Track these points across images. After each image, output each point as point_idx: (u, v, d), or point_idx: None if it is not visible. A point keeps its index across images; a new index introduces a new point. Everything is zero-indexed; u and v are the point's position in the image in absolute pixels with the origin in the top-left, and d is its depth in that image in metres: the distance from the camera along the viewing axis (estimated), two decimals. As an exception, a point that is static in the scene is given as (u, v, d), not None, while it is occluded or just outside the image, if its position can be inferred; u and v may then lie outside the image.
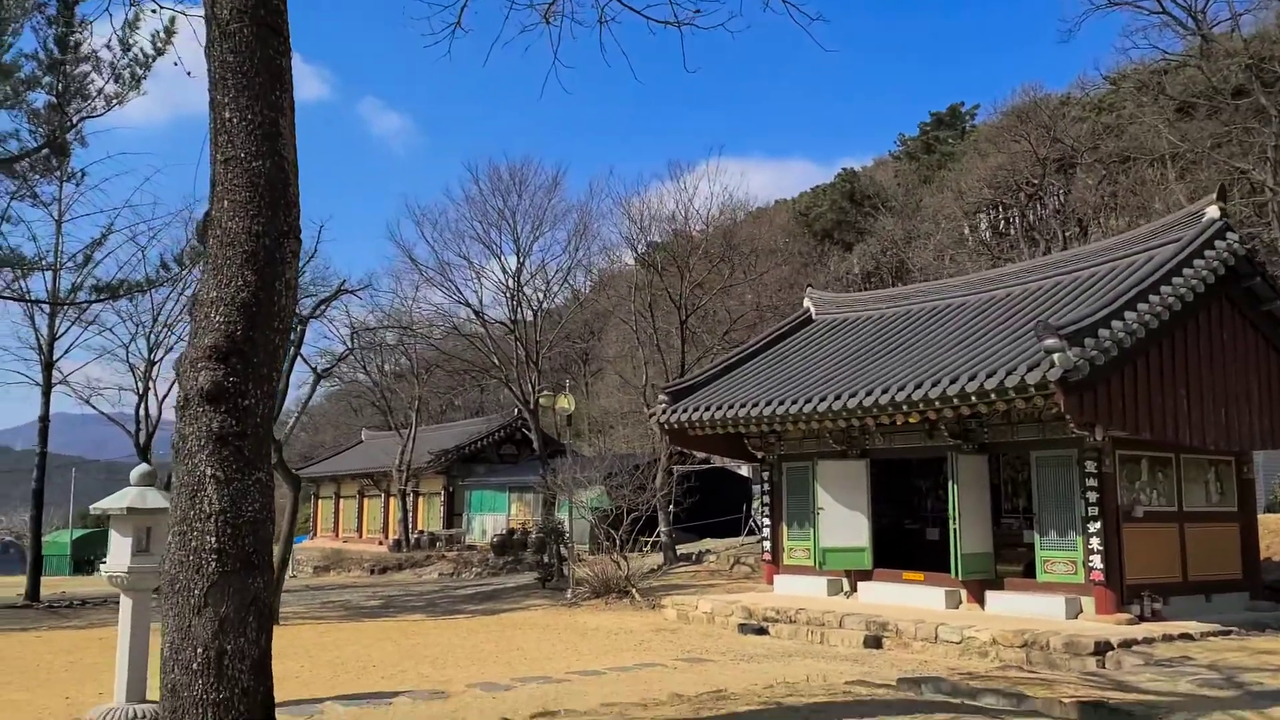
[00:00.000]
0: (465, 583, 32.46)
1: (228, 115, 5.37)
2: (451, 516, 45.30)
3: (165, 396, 35.40)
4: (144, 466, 10.89)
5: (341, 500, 53.03)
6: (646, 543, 26.93)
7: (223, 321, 5.13)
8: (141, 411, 34.96)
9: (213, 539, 4.96)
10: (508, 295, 35.42)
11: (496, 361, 37.43)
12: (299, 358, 27.52)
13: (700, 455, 35.54)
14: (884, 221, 53.02)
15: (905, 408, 15.86)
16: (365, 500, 50.77)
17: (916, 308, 21.24)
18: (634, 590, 22.85)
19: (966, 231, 48.54)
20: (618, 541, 24.34)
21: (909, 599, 17.58)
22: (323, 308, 27.45)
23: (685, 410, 20.30)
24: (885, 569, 18.70)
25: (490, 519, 41.87)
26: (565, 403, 26.97)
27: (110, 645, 18.58)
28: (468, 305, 37.82)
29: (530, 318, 35.81)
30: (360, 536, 50.15)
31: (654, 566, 27.71)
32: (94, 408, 34.95)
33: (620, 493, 26.03)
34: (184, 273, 26.54)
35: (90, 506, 11.33)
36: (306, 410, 43.60)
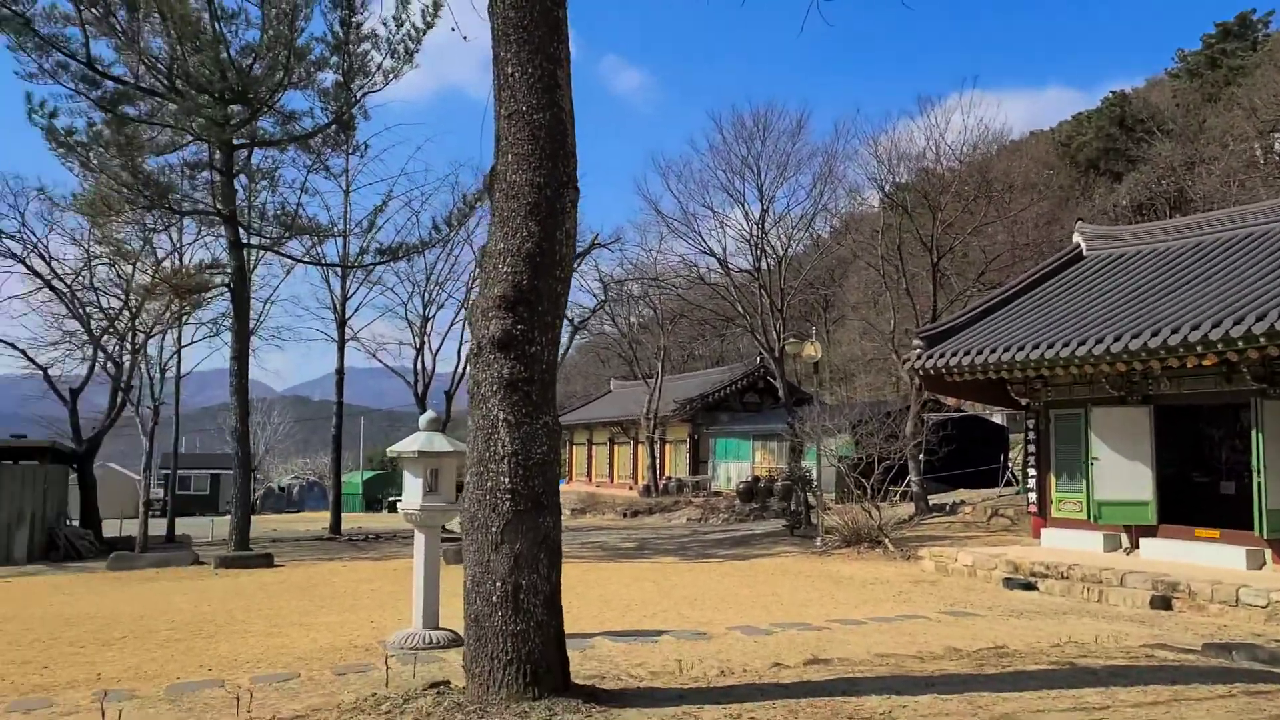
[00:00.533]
0: (713, 528, 33.01)
1: (510, 70, 5.55)
2: (697, 463, 46.15)
3: (438, 350, 38.10)
4: (431, 413, 11.70)
5: (594, 446, 55.34)
6: (895, 492, 26.26)
7: (509, 271, 5.35)
8: (418, 364, 37.84)
9: (506, 479, 5.23)
10: (751, 243, 35.25)
11: (741, 310, 37.45)
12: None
13: (952, 402, 34.07)
14: (1160, 147, 48.23)
15: (1201, 348, 14.38)
16: (615, 447, 52.69)
17: (1209, 239, 19.16)
18: (887, 540, 22.38)
19: (1259, 153, 43.24)
20: (868, 490, 23.86)
21: (1200, 557, 16.11)
22: (578, 262, 28.41)
23: (943, 355, 19.44)
24: (1172, 524, 17.22)
25: (734, 466, 42.29)
26: (812, 350, 26.59)
27: (401, 575, 20.39)
28: (711, 254, 38.03)
29: (773, 265, 35.47)
30: (611, 481, 52.19)
31: (905, 517, 26.99)
32: (379, 361, 38.21)
33: (870, 441, 25.46)
34: (452, 234, 28.36)
35: (386, 450, 12.33)
36: (562, 362, 45.57)
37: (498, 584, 5.20)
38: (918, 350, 20.21)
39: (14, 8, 19.56)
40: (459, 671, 9.87)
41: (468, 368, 5.51)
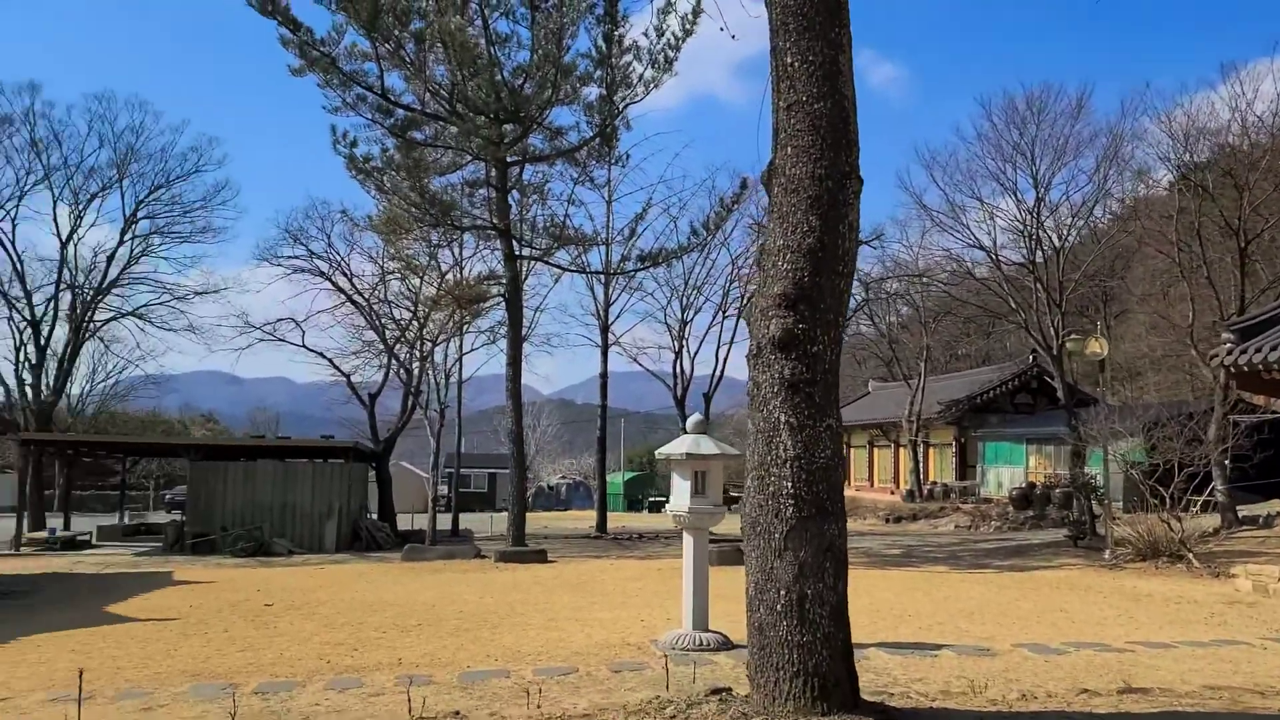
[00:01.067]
0: (984, 536, 31.24)
1: (789, 60, 5.39)
2: (964, 468, 43.95)
3: (695, 353, 38.66)
4: (697, 416, 11.73)
5: (852, 450, 54.09)
6: (1196, 502, 23.68)
7: (789, 269, 5.19)
8: (677, 368, 38.54)
9: (789, 484, 5.07)
10: (1024, 233, 33.08)
11: (1013, 305, 35.26)
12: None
13: (1260, 401, 30.33)
14: None
15: None
16: (875, 450, 51.21)
17: None
18: (1190, 554, 20.20)
19: None
20: (1166, 499, 21.64)
21: None
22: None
23: (1259, 349, 17.27)
24: None
25: (1005, 471, 39.88)
26: (1097, 346, 24.43)
27: (666, 575, 20.71)
28: (980, 247, 36.06)
29: (1050, 255, 33.11)
30: (871, 485, 50.76)
31: (1209, 529, 24.30)
32: (640, 365, 39.30)
33: (1168, 445, 23.10)
34: (709, 238, 28.62)
35: (655, 452, 12.48)
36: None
37: (781, 592, 5.05)
38: (1228, 344, 18.07)
39: (322, 49, 21.78)
40: (732, 676, 9.79)
41: (749, 369, 5.36)
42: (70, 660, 11.19)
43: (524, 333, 28.71)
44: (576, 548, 28.76)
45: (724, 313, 38.02)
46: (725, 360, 38.40)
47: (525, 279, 31.15)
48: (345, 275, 33.82)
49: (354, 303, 33.92)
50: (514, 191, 27.01)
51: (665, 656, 10.98)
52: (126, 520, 34.73)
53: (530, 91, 24.55)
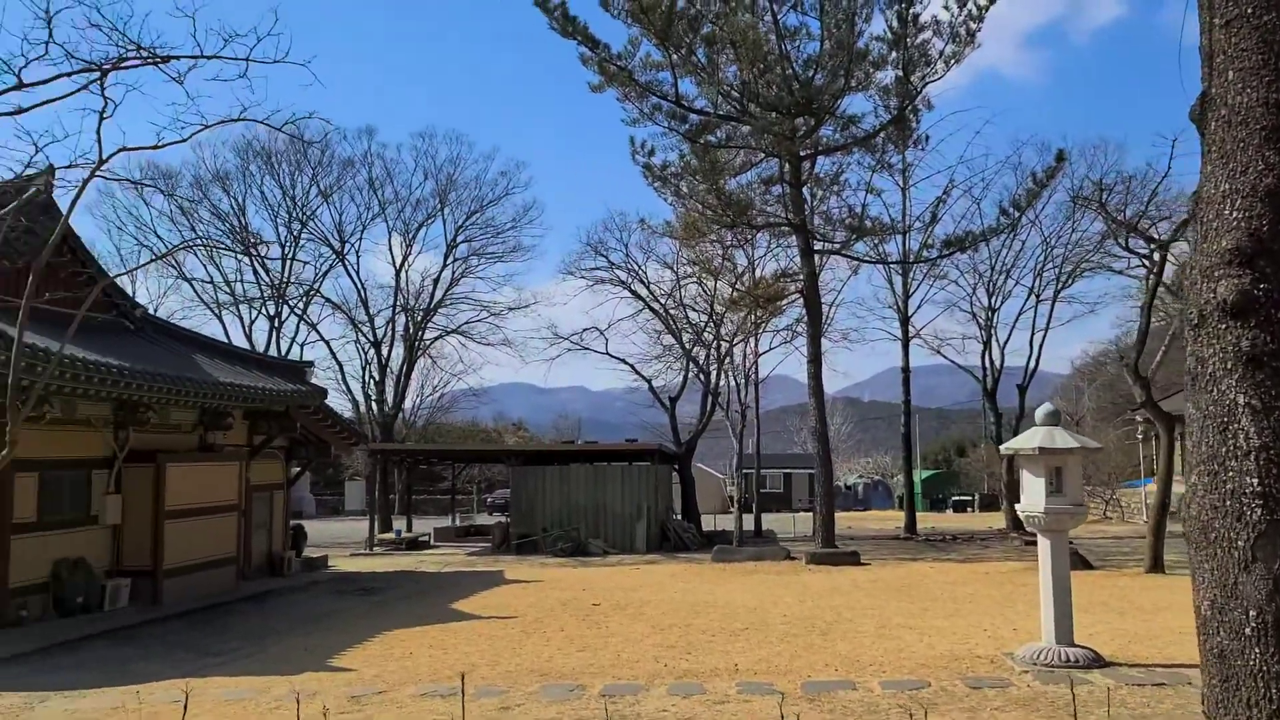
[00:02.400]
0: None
1: (1226, -34, 4.50)
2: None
3: (1005, 342, 36.17)
4: (1048, 406, 10.60)
5: None
6: None
7: (1241, 217, 4.28)
8: (985, 359, 36.27)
9: (1254, 480, 4.16)
10: None
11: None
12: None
13: None
14: None
15: None
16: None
17: None
18: None
19: None
20: None
21: None
22: None
23: None
24: None
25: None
26: None
27: (996, 580, 19.23)
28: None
29: None
30: None
31: None
32: (943, 356, 37.39)
33: None
34: (1019, 218, 26.56)
35: (1000, 447, 11.41)
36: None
37: (1250, 613, 4.14)
38: None
39: (619, 64, 22.39)
40: (1117, 700, 8.61)
41: (1189, 342, 4.46)
42: (430, 656, 11.90)
43: (822, 328, 27.96)
44: (887, 549, 27.63)
45: (1037, 297, 35.27)
46: (1040, 348, 35.62)
47: (820, 273, 30.45)
48: (643, 282, 34.77)
49: (652, 309, 34.76)
50: (808, 185, 26.43)
51: (1027, 672, 9.94)
52: (458, 522, 37.62)
53: (821, 82, 23.87)
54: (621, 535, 28.66)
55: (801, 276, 25.94)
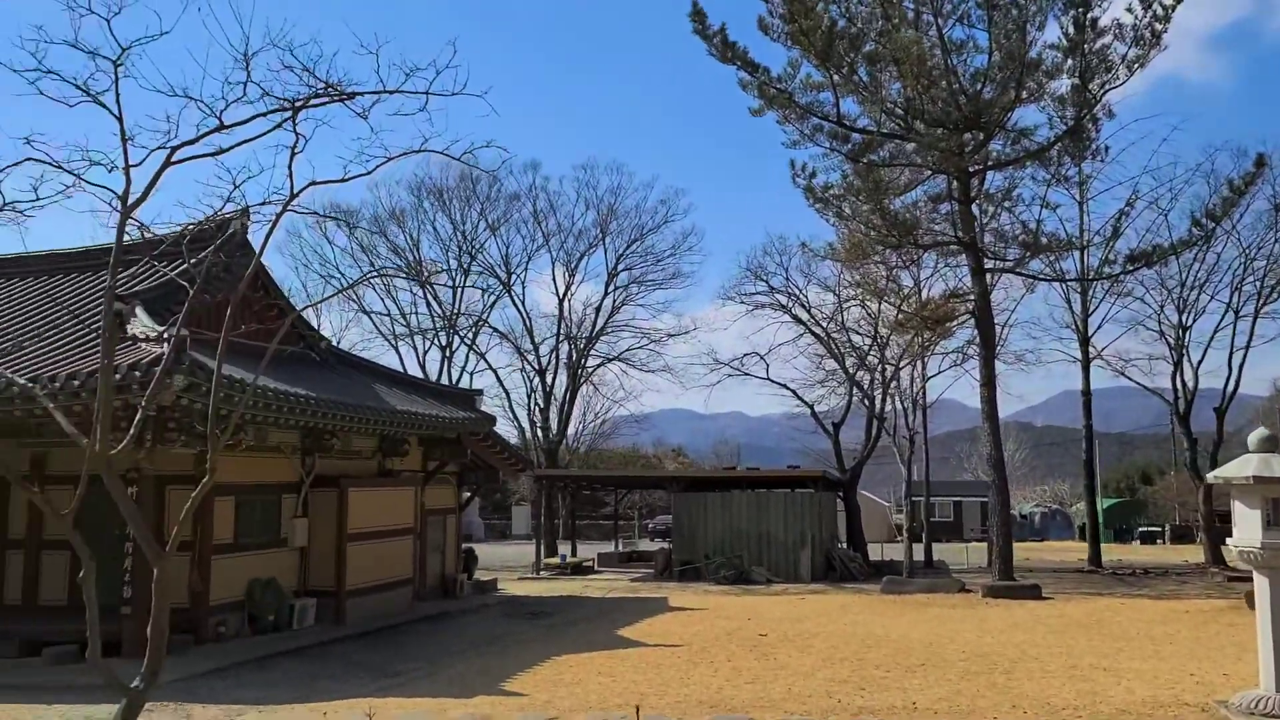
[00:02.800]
0: None
1: None
2: None
3: (1199, 363, 33.63)
4: (1263, 431, 9.70)
5: None
6: None
7: None
8: (1176, 380, 33.81)
9: None
10: None
11: None
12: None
13: None
14: None
15: None
16: None
17: None
18: None
19: None
20: None
21: None
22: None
23: None
24: None
25: None
26: None
27: (1198, 620, 17.77)
28: None
29: None
30: None
31: None
32: (1128, 379, 35.09)
33: None
34: (1214, 227, 24.75)
35: (1210, 475, 10.53)
36: None
37: None
38: None
39: (778, 86, 22.26)
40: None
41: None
42: (600, 684, 11.92)
43: (995, 350, 26.74)
44: (1070, 583, 26.03)
45: (1236, 313, 32.58)
46: (1240, 368, 32.84)
47: (991, 292, 29.23)
48: (804, 306, 34.29)
49: (813, 333, 34.23)
50: (978, 202, 25.44)
51: (1245, 726, 9.08)
52: (621, 548, 37.92)
53: (991, 95, 23.01)
54: (785, 563, 28.14)
55: (972, 296, 24.95)
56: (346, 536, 18.22)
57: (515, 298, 43.16)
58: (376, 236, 42.90)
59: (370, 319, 43.02)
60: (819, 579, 27.49)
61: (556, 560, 32.56)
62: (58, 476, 15.83)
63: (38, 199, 5.58)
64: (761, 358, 35.53)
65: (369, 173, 5.83)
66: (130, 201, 5.59)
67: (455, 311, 42.88)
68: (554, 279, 43.16)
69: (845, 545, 31.88)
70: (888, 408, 33.33)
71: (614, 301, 42.81)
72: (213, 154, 5.59)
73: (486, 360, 43.93)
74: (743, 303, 35.53)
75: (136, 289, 16.30)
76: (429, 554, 22.30)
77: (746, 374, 35.68)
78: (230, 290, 17.05)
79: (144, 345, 14.01)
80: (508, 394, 42.66)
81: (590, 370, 43.18)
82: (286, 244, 48.45)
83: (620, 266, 42.94)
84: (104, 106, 5.37)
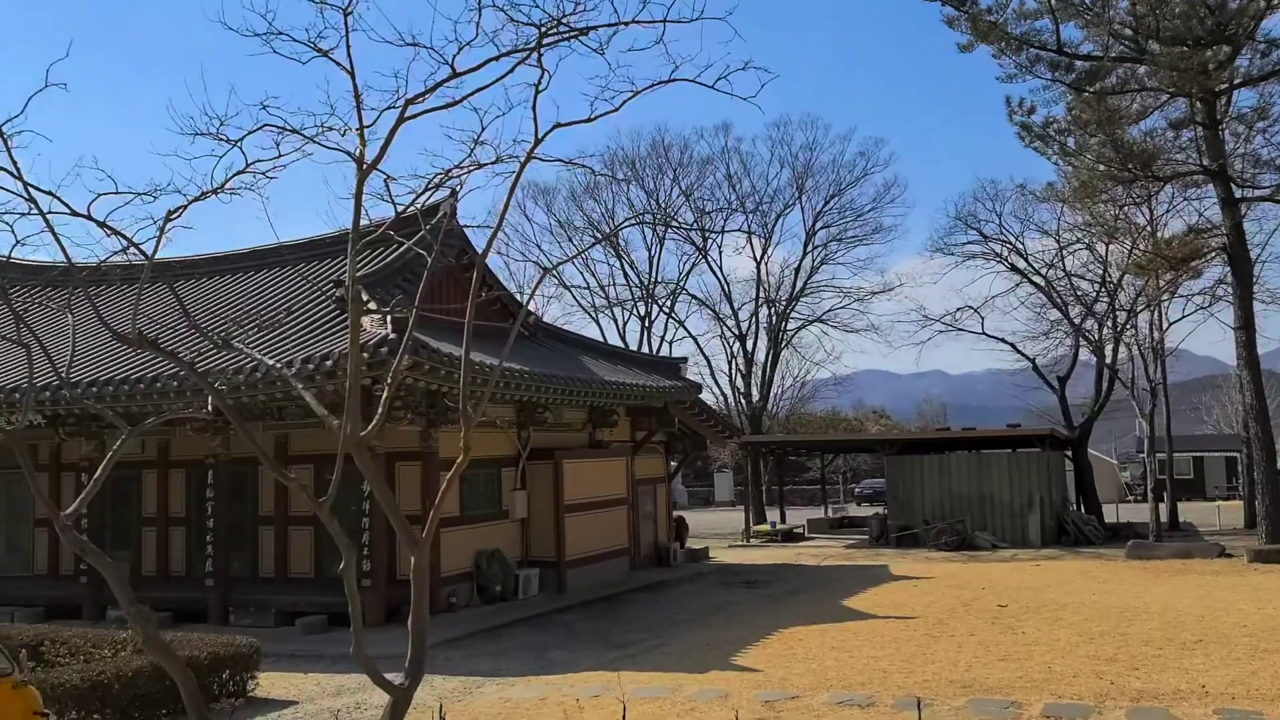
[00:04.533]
0: None
1: None
2: None
3: None
4: None
5: None
6: None
7: None
8: None
9: None
10: None
11: None
12: None
13: None
14: None
15: None
16: None
17: None
18: None
19: None
20: None
21: None
22: None
23: None
24: None
25: None
26: None
27: None
28: None
29: None
30: None
31: None
32: None
33: None
34: None
35: None
36: None
37: None
38: None
39: (989, 18, 20.54)
40: None
41: None
42: (836, 660, 11.33)
43: (1252, 289, 23.91)
44: (1350, 548, 23.13)
45: None
46: None
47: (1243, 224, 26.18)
48: (1020, 254, 32.04)
49: (1032, 282, 31.96)
50: (1225, 125, 22.71)
51: None
52: (830, 514, 36.96)
53: (1237, 3, 20.41)
54: (1011, 528, 26.49)
55: (1223, 230, 22.38)
56: (564, 507, 18.40)
57: (712, 263, 42.66)
58: (572, 211, 43.41)
59: (571, 293, 43.70)
60: (1050, 544, 25.72)
61: (766, 527, 32.07)
62: (297, 457, 16.77)
63: (279, 156, 5.46)
64: (975, 310, 33.48)
65: (616, 109, 5.42)
66: (366, 164, 5.39)
67: (652, 280, 42.90)
68: (750, 241, 42.36)
69: (1077, 507, 29.72)
70: (1120, 357, 30.66)
71: (813, 261, 41.54)
72: (446, 105, 5.31)
73: (685, 328, 43.75)
74: (952, 254, 33.61)
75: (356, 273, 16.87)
76: (641, 523, 22.32)
77: (960, 329, 33.79)
78: (442, 270, 17.51)
79: (369, 328, 14.44)
80: (708, 361, 42.34)
81: (791, 333, 42.20)
82: (489, 222, 49.82)
83: (818, 225, 41.58)
84: (336, 62, 5.18)
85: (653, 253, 42.93)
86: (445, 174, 5.65)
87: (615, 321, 43.72)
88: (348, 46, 5.09)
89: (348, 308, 15.14)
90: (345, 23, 4.97)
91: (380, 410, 6.00)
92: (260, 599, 15.50)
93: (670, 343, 43.28)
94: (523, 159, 5.53)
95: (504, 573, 17.07)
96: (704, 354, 42.54)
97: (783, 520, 33.24)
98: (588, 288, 43.69)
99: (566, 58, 5.25)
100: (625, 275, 43.15)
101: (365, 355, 12.81)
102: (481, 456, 17.51)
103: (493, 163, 5.54)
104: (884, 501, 32.06)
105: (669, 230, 41.64)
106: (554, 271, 38.91)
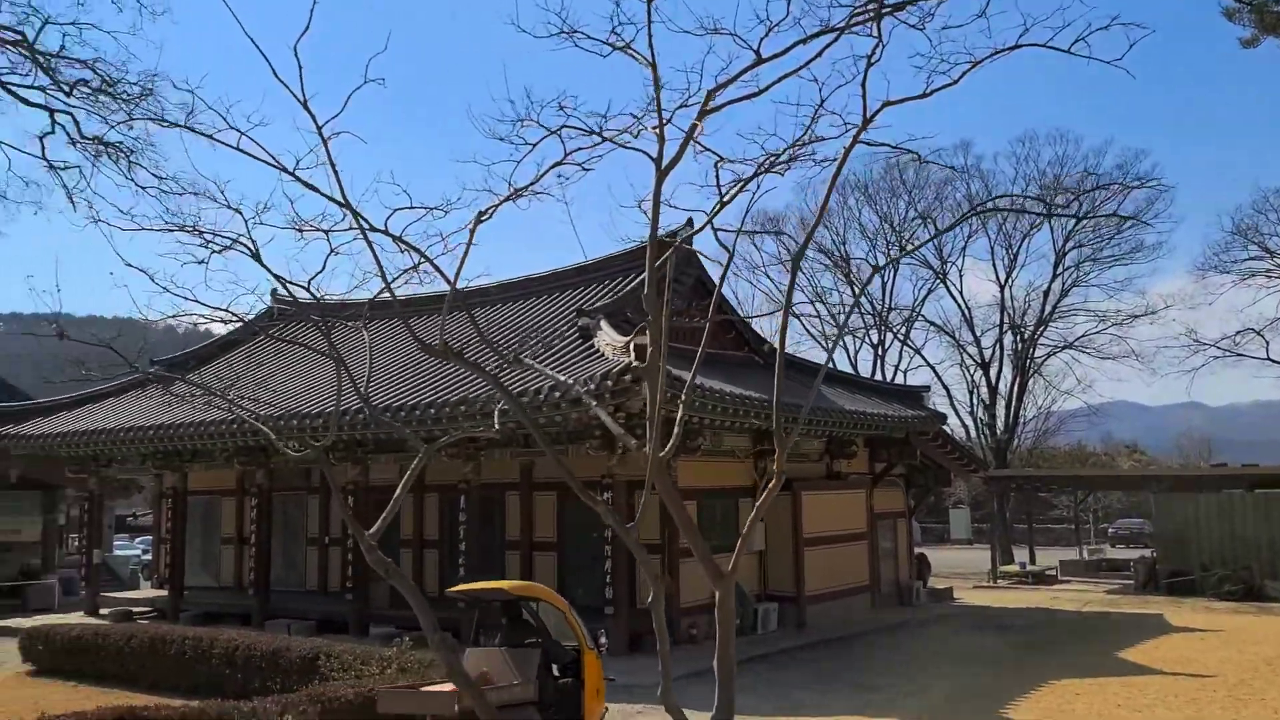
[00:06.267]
0: None
1: None
2: None
3: None
4: None
5: None
6: None
7: None
8: None
9: None
10: None
11: None
12: None
13: None
14: None
15: None
16: None
17: None
18: None
19: None
20: None
21: None
22: None
23: None
24: None
25: None
26: None
27: None
28: None
29: None
30: None
31: None
32: None
33: None
34: None
35: None
36: None
37: None
38: None
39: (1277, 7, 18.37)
40: None
41: None
42: (1123, 718, 10.15)
43: None
44: None
45: None
46: None
47: None
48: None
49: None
50: None
51: None
52: (1085, 555, 34.06)
53: None
54: (1310, 577, 23.34)
55: None
56: (802, 540, 17.84)
57: (951, 287, 40.73)
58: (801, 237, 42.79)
59: (799, 321, 42.97)
60: None
61: (1014, 568, 29.93)
62: (541, 484, 17.19)
63: (566, 156, 5.35)
64: (1259, 334, 30.08)
65: (955, 82, 5.00)
66: (665, 163, 5.21)
67: (886, 307, 41.50)
68: (993, 264, 40.10)
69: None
70: None
71: (1063, 284, 38.74)
72: (750, 95, 5.05)
73: (922, 356, 41.94)
74: (1229, 272, 30.47)
75: (597, 304, 17.19)
76: (880, 559, 21.32)
77: (1239, 354, 30.46)
78: (682, 301, 17.53)
79: (609, 355, 14.58)
80: (947, 390, 40.33)
81: (1039, 361, 39.55)
82: (720, 254, 50.02)
83: (1069, 245, 38.81)
84: (634, 56, 5.02)
85: (885, 277, 41.58)
86: (772, 158, 5.33)
87: (846, 350, 42.61)
88: (649, 36, 4.91)
89: (592, 335, 15.58)
90: (648, 9, 4.80)
91: (676, 431, 5.79)
92: (505, 622, 15.86)
93: (905, 372, 41.69)
94: (846, 146, 5.12)
95: (743, 606, 16.68)
96: (942, 383, 40.60)
97: (1032, 560, 30.96)
98: (818, 315, 42.86)
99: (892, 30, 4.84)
100: (857, 302, 42.03)
101: (610, 383, 12.87)
102: (719, 486, 17.27)
103: (814, 141, 5.15)
104: (1144, 543, 29.21)
105: (904, 254, 40.22)
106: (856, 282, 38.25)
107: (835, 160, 5.53)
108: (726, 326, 19.57)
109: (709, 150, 5.32)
